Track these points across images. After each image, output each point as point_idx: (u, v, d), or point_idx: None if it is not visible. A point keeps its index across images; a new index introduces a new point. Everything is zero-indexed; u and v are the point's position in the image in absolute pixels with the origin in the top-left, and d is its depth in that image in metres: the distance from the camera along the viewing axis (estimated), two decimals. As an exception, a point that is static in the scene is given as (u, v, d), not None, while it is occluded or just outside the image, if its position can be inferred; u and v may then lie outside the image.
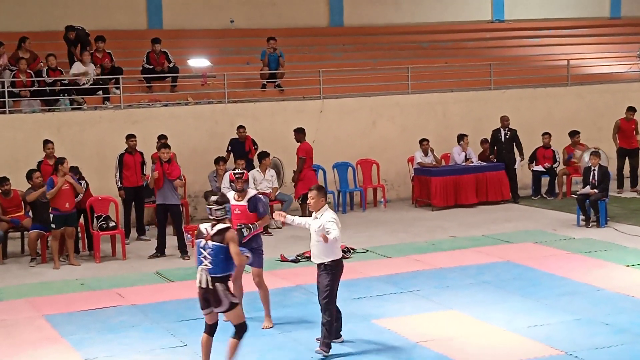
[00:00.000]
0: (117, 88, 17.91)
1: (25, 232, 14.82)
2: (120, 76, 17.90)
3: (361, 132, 19.14)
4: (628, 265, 13.17)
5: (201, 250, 8.67)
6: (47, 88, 17.15)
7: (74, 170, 14.68)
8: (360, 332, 10.31)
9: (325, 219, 9.44)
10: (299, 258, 14.01)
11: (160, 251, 14.62)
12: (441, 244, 14.96)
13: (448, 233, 15.88)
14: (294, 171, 17.08)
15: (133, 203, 15.84)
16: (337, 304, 9.72)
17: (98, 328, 10.75)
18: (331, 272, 9.53)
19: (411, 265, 13.44)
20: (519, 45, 23.93)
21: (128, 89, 18.40)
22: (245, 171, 10.79)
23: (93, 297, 12.15)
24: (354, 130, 19.07)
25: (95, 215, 14.95)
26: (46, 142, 15.32)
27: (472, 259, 13.78)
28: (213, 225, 8.71)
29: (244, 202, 10.34)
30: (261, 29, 21.58)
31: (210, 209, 8.77)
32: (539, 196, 19.13)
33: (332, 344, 9.64)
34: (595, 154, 16.60)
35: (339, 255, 9.63)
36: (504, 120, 18.83)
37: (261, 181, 16.51)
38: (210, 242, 8.62)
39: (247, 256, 9.19)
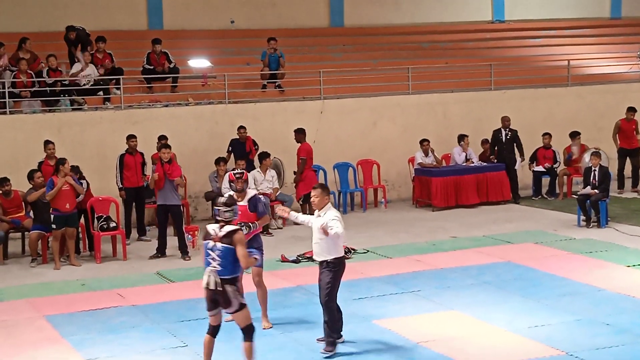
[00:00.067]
0: (118, 88, 17.91)
1: (26, 233, 14.82)
2: (120, 77, 17.90)
3: (362, 132, 19.14)
4: (629, 266, 13.16)
5: (209, 251, 8.62)
6: (48, 88, 17.15)
7: (75, 170, 14.69)
8: (361, 332, 10.30)
9: (328, 217, 9.46)
10: (300, 258, 14.01)
11: (160, 252, 14.62)
12: (442, 245, 14.96)
13: (449, 233, 15.88)
14: (294, 172, 17.08)
15: (134, 203, 15.84)
16: (338, 304, 9.72)
17: (99, 328, 10.75)
18: (333, 269, 9.55)
19: (412, 266, 13.44)
20: (520, 46, 23.92)
21: (128, 89, 18.40)
22: (244, 171, 10.80)
23: (94, 298, 12.15)
24: (355, 131, 19.07)
25: (96, 215, 14.95)
26: (47, 143, 15.33)
27: (472, 259, 13.78)
28: (221, 227, 8.66)
29: (244, 202, 10.34)
30: (261, 29, 21.59)
31: (219, 210, 8.75)
32: (540, 196, 19.13)
33: (337, 342, 9.65)
34: (596, 154, 16.60)
35: (342, 253, 9.65)
36: (505, 120, 18.82)
37: (262, 182, 16.51)
38: (219, 244, 8.57)
39: (255, 258, 9.14)
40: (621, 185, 19.48)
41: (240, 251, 8.54)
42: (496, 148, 18.97)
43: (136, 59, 18.98)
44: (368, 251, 14.55)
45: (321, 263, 9.64)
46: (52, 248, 14.16)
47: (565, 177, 19.20)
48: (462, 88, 20.50)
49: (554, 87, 21.23)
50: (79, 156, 16.05)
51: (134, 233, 15.89)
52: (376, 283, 12.49)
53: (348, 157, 18.67)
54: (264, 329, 10.45)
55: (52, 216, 13.96)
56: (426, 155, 18.35)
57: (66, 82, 17.38)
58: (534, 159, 19.36)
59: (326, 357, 9.54)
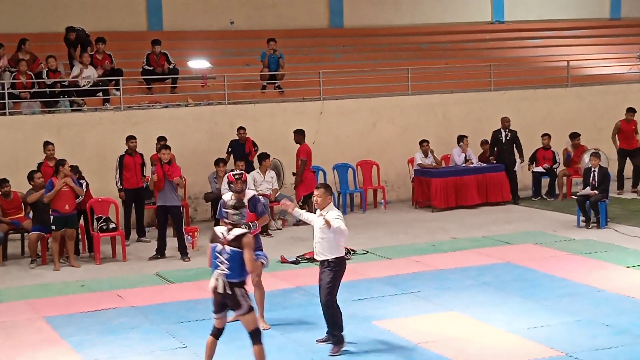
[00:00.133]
0: (117, 89, 17.91)
1: (26, 234, 14.82)
2: (120, 77, 17.89)
3: (361, 133, 19.14)
4: (628, 267, 13.16)
5: (217, 254, 8.55)
6: (47, 89, 17.15)
7: (74, 170, 14.68)
8: (361, 333, 10.30)
9: (330, 217, 9.48)
10: (299, 259, 14.00)
11: (160, 253, 14.61)
12: (441, 245, 14.96)
13: (448, 234, 15.87)
14: (293, 173, 17.07)
15: (133, 204, 15.83)
16: (338, 305, 9.72)
17: (98, 330, 10.74)
18: (334, 269, 9.57)
19: (411, 267, 13.44)
20: (519, 47, 23.92)
21: (128, 90, 18.39)
22: (244, 172, 10.81)
23: (93, 299, 12.15)
24: (354, 132, 19.07)
25: (95, 216, 14.95)
26: (46, 144, 15.32)
27: (472, 260, 13.77)
28: (229, 230, 8.61)
29: (243, 203, 10.34)
30: (261, 30, 21.58)
31: (227, 213, 8.72)
32: (539, 197, 19.13)
33: (343, 339, 9.65)
34: (596, 155, 16.60)
35: (342, 252, 9.67)
36: (505, 121, 18.82)
37: (261, 182, 16.50)
38: (227, 247, 8.51)
39: (262, 262, 9.10)
40: (621, 186, 19.47)
41: (247, 255, 8.48)
42: (496, 149, 18.97)
43: (136, 59, 18.98)
44: (368, 252, 14.55)
45: (322, 262, 9.66)
46: (52, 249, 14.15)
47: (564, 177, 19.20)
48: (462, 89, 20.50)
49: (553, 88, 21.23)
50: (78, 157, 16.04)
51: (134, 234, 15.89)
52: (376, 284, 12.49)
53: (347, 158, 18.67)
54: (263, 329, 10.43)
55: (51, 217, 13.95)
56: (426, 156, 18.35)
57: (66, 83, 17.38)
58: (534, 159, 19.36)
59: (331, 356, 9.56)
